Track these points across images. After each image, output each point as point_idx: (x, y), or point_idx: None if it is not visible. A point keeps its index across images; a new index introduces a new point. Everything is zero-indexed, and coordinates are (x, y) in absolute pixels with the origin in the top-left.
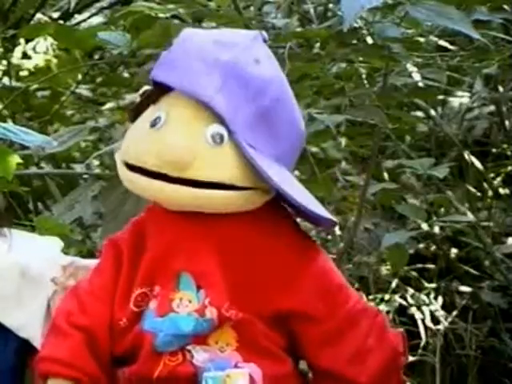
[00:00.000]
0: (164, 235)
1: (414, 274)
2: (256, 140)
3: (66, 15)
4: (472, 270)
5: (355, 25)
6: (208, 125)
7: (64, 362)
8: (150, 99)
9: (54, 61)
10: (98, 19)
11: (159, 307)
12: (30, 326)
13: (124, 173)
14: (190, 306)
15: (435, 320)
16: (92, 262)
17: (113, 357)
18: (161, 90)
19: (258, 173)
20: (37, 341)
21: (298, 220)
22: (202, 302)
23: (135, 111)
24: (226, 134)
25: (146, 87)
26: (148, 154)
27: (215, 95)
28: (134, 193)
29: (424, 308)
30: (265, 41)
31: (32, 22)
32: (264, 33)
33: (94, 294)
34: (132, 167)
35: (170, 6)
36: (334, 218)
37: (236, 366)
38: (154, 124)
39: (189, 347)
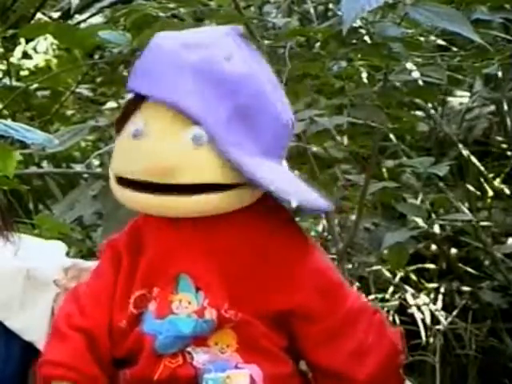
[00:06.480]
0: (161, 238)
1: (414, 274)
2: (238, 137)
3: (66, 15)
4: (472, 270)
5: (355, 24)
6: (186, 128)
7: (65, 364)
8: (130, 110)
9: (54, 60)
10: (98, 19)
11: (158, 309)
12: (34, 329)
13: (114, 187)
14: (190, 308)
15: (435, 320)
16: (94, 264)
17: (114, 358)
18: (140, 100)
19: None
20: (41, 344)
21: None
22: (202, 303)
23: (120, 123)
24: (205, 135)
25: (128, 97)
26: (133, 164)
27: (184, 97)
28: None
29: (424, 308)
30: (241, 35)
31: (32, 22)
32: (239, 27)
33: (93, 297)
34: (121, 180)
35: (171, 5)
36: (328, 206)
37: (236, 367)
38: (135, 135)
39: (189, 349)
